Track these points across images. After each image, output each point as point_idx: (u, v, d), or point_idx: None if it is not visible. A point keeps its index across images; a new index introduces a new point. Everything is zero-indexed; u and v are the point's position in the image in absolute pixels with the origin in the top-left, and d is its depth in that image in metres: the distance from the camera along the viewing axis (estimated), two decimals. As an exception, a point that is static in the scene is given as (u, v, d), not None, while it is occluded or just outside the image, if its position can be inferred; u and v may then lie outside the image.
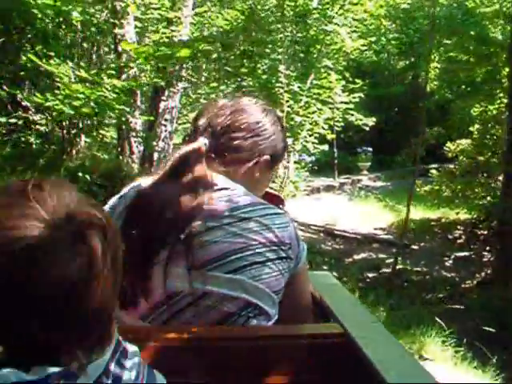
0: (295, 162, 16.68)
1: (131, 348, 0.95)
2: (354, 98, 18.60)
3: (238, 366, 1.22)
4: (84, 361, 0.82)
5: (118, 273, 0.90)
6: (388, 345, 1.26)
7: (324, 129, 17.63)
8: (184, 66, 10.73)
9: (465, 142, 12.93)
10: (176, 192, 1.40)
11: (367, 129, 19.20)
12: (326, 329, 1.36)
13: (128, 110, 8.56)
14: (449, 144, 13.04)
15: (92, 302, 0.82)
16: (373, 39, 19.52)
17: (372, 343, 1.21)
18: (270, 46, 16.31)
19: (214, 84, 19.47)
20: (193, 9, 12.02)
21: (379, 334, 1.32)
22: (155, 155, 11.06)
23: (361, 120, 18.95)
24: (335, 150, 19.13)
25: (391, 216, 14.29)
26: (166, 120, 11.15)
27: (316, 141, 17.18)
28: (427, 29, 15.30)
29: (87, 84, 7.39)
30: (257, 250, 1.35)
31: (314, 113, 16.55)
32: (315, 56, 17.00)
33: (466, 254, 10.89)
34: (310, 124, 16.50)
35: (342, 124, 18.72)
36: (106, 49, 11.45)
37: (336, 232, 12.13)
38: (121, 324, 1.01)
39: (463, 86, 11.71)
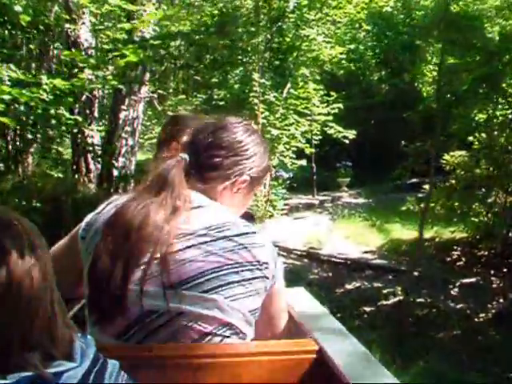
0: (272, 179, 15.29)
1: (112, 361, 0.98)
2: (332, 109, 17.41)
3: (214, 383, 1.20)
4: (41, 368, 0.85)
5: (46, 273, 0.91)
6: (363, 361, 1.33)
7: (302, 142, 16.34)
8: (147, 69, 9.27)
9: (459, 154, 11.69)
10: (154, 210, 1.36)
11: (347, 142, 18.01)
12: (301, 345, 1.30)
13: (71, 116, 7.10)
14: (446, 156, 11.76)
15: (17, 302, 0.85)
16: (351, 46, 18.37)
17: (347, 359, 1.30)
18: (243, 52, 15.01)
19: (182, 96, 18.10)
20: (156, 8, 10.60)
21: (354, 351, 1.38)
22: (115, 173, 9.56)
23: (340, 132, 17.71)
24: (313, 165, 17.82)
25: (380, 237, 12.99)
26: (126, 133, 9.68)
27: (294, 155, 15.87)
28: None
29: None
30: (233, 270, 1.31)
31: (291, 125, 15.23)
32: (292, 64, 15.70)
33: (472, 280, 9.59)
34: (288, 137, 15.16)
35: (320, 137, 17.48)
36: (56, 51, 9.93)
37: (322, 257, 10.75)
38: (95, 341, 1.02)
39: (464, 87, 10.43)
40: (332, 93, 17.08)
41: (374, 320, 7.97)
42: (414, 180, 22.63)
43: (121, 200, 1.44)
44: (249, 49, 14.84)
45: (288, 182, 16.38)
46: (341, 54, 17.61)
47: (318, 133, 17.19)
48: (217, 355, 1.25)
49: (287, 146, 15.10)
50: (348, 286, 9.45)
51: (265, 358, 1.26)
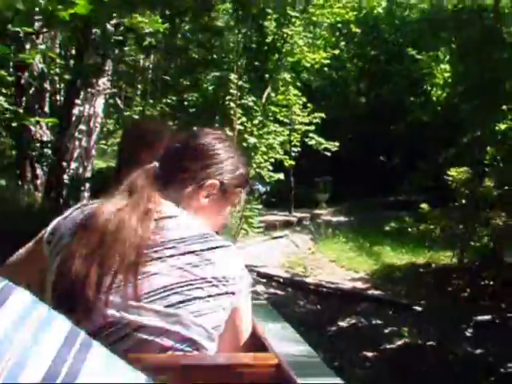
0: (247, 193, 13.73)
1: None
2: (314, 118, 15.99)
3: None
4: None
5: None
6: (321, 375, 1.39)
7: (280, 154, 14.86)
8: (109, 54, 7.64)
9: (465, 170, 10.31)
10: (128, 212, 1.33)
11: (328, 155, 16.58)
12: (261, 359, 1.28)
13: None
14: (452, 171, 10.40)
15: None
16: (335, 52, 17.01)
17: (306, 373, 1.45)
18: (220, 50, 13.50)
19: (150, 101, 16.50)
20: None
21: (313, 364, 1.42)
22: (65, 179, 7.90)
23: (321, 144, 16.28)
24: (292, 178, 16.33)
25: (369, 261, 11.56)
26: (81, 132, 8.03)
27: (271, 167, 14.37)
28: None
29: None
30: (197, 286, 1.28)
31: (269, 134, 13.75)
32: (272, 66, 14.21)
33: (487, 317, 8.15)
34: (266, 147, 13.66)
35: (299, 149, 16.02)
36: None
37: (308, 286, 9.21)
38: None
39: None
40: (309, 104, 15.70)
41: (379, 370, 6.45)
42: (393, 198, 21.59)
43: (90, 205, 1.42)
44: (226, 46, 13.37)
45: (264, 196, 14.86)
46: (324, 59, 16.29)
47: (298, 144, 15.75)
48: (176, 367, 1.20)
49: (265, 157, 13.58)
50: (342, 323, 7.92)
51: (224, 372, 1.25)
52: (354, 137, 20.79)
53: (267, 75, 14.23)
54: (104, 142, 16.56)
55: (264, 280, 9.23)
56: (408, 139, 18.74)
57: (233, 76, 12.91)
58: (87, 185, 8.44)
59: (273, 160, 14.00)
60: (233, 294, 1.34)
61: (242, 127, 12.87)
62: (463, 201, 10.40)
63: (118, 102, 10.93)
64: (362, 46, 19.87)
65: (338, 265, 11.30)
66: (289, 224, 15.19)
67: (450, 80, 16.62)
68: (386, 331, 7.57)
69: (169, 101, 13.90)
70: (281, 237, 13.30)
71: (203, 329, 1.28)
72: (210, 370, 1.24)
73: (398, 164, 22.02)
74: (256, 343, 1.43)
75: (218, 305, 1.31)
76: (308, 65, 16.24)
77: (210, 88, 13.64)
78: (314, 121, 15.86)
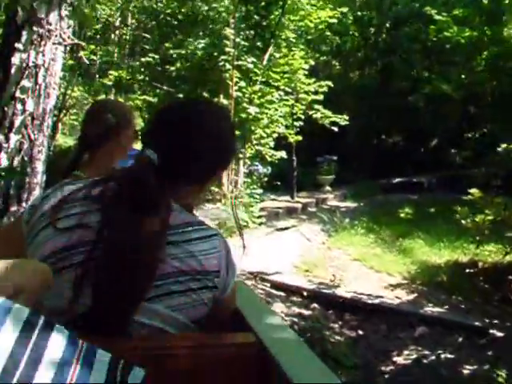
0: (246, 175, 11.36)
1: None
2: (320, 86, 13.58)
3: (150, 375, 1.09)
4: None
5: None
6: (298, 351, 1.28)
7: (286, 127, 12.47)
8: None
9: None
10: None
11: (335, 130, 14.18)
12: (240, 338, 1.31)
13: None
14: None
15: None
16: (344, 10, 14.60)
17: (284, 350, 1.25)
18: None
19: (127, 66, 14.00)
20: None
21: (291, 342, 1.33)
22: (1, 159, 5.48)
23: (327, 118, 13.89)
24: (294, 157, 13.92)
25: (400, 259, 9.31)
26: (24, 90, 5.59)
27: (272, 144, 11.99)
28: None
29: None
30: (178, 279, 1.23)
31: (272, 103, 11.31)
32: (274, 22, 11.73)
33: None
34: (268, 119, 11.26)
35: (301, 123, 13.58)
36: None
37: (342, 301, 6.87)
38: None
39: None
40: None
41: None
42: (400, 179, 19.37)
43: (72, 184, 1.34)
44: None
45: (266, 179, 12.49)
46: (330, 17, 13.90)
47: (302, 117, 13.36)
48: (156, 348, 1.21)
49: (267, 131, 11.19)
50: (398, 359, 5.63)
51: (205, 351, 1.25)
52: (360, 111, 18.42)
53: (268, 34, 11.78)
54: (75, 115, 14.06)
55: (281, 293, 6.91)
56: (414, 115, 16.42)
57: (228, 30, 10.46)
58: (39, 167, 6.04)
59: (276, 135, 11.64)
60: (216, 288, 1.28)
61: (240, 94, 10.46)
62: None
63: (84, 58, 8.34)
64: (369, 6, 17.46)
65: (364, 265, 9.04)
66: (292, 211, 12.86)
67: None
68: (467, 372, 5.31)
69: (149, 59, 11.36)
70: (287, 228, 10.96)
71: (182, 324, 1.24)
72: (188, 349, 1.22)
73: (397, 143, 19.86)
74: (235, 323, 1.41)
75: (199, 299, 1.25)
76: (312, 25, 13.82)
77: (200, 46, 11.11)
78: (320, 90, 13.48)
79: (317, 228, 11.44)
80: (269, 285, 7.07)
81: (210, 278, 1.26)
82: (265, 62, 11.30)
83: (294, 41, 12.39)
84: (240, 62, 10.63)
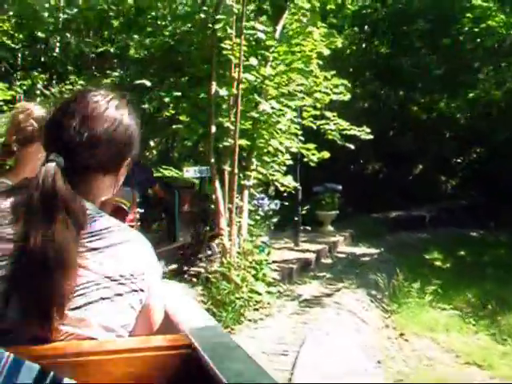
0: (251, 213, 7.04)
1: None
2: (335, 86, 9.43)
3: (83, 381, 1.10)
4: None
5: None
6: (230, 351, 1.22)
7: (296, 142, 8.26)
8: None
9: None
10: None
11: (352, 147, 10.05)
12: (172, 341, 1.24)
13: None
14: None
15: None
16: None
17: (216, 350, 1.21)
18: None
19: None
20: None
21: (223, 343, 1.27)
22: None
23: (346, 130, 9.69)
24: (299, 187, 9.66)
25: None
26: None
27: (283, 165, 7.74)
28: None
29: None
30: (104, 285, 1.18)
31: (293, 98, 7.10)
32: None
33: None
34: (286, 125, 7.03)
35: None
36: None
37: None
38: None
39: None
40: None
41: None
42: (398, 213, 15.85)
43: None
44: None
45: (275, 220, 8.17)
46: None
47: (314, 126, 9.12)
48: (84, 353, 1.16)
49: (286, 143, 6.94)
50: None
51: (136, 355, 1.20)
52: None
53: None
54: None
55: None
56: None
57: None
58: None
59: (294, 150, 7.41)
60: (142, 290, 1.25)
61: (251, 78, 6.19)
62: None
63: None
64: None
65: (491, 375, 4.97)
66: (306, 265, 8.67)
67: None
68: None
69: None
70: (317, 300, 6.73)
71: (111, 330, 1.19)
72: (119, 354, 1.18)
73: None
74: (167, 325, 1.36)
75: (126, 303, 1.21)
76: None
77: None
78: (335, 90, 9.34)
79: (359, 296, 7.25)
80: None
81: (136, 282, 1.21)
82: (277, 35, 7.14)
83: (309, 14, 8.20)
84: (246, 33, 6.40)
